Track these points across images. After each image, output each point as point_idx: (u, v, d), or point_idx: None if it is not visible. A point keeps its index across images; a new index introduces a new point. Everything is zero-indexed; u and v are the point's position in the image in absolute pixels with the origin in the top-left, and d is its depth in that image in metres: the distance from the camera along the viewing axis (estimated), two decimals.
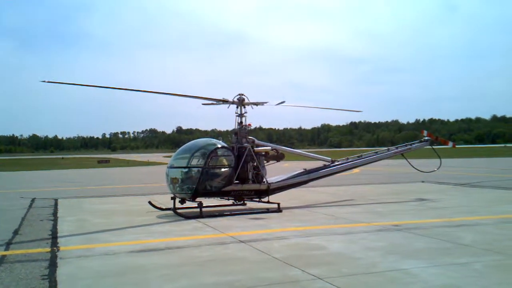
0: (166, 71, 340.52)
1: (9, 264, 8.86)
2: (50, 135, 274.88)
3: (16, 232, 12.37)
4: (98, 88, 15.06)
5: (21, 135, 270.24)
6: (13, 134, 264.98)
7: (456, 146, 21.91)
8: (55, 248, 10.24)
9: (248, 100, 16.25)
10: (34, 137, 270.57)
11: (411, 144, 19.75)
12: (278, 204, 15.50)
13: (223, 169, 15.15)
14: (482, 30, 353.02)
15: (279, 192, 16.57)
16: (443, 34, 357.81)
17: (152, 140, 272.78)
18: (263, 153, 16.12)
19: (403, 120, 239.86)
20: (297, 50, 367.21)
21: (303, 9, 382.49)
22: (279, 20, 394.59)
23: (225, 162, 15.26)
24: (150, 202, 16.23)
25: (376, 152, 19.45)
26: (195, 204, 14.98)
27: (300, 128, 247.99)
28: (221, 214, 14.86)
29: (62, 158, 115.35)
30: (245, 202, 16.37)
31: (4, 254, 9.72)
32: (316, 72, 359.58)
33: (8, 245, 10.74)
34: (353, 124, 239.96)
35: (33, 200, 20.19)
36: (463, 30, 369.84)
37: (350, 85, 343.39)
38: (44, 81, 12.96)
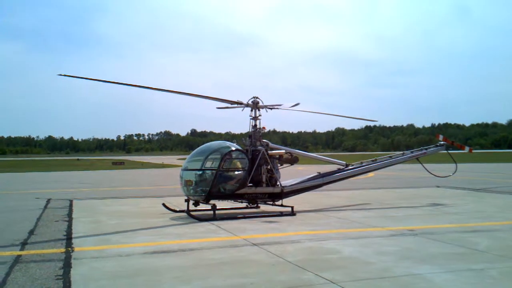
0: (176, 73, 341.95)
1: (24, 264, 8.96)
2: (66, 137, 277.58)
3: (31, 232, 12.51)
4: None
5: (37, 136, 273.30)
6: (29, 135, 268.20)
7: (473, 151, 21.68)
8: (69, 248, 10.33)
9: (263, 103, 16.27)
10: (50, 139, 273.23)
11: (426, 149, 19.59)
12: (292, 207, 15.46)
13: (237, 172, 15.18)
14: (496, 32, 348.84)
15: (292, 195, 16.55)
16: (456, 36, 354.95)
17: (167, 143, 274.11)
18: (277, 156, 16.13)
19: (419, 124, 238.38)
20: (308, 53, 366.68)
21: (313, 12, 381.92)
22: (290, 22, 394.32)
23: (239, 165, 15.28)
24: (164, 204, 16.29)
25: (391, 156, 19.33)
26: (208, 207, 15.00)
27: (314, 132, 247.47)
28: (234, 217, 14.87)
29: (78, 159, 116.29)
30: (259, 205, 16.38)
31: (19, 254, 9.83)
32: (327, 74, 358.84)
33: (23, 245, 10.85)
34: (368, 128, 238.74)
35: (48, 200, 20.40)
36: (477, 32, 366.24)
37: (363, 87, 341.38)
38: (61, 75, 13.19)
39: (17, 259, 9.33)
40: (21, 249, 10.37)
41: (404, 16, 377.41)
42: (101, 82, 14.77)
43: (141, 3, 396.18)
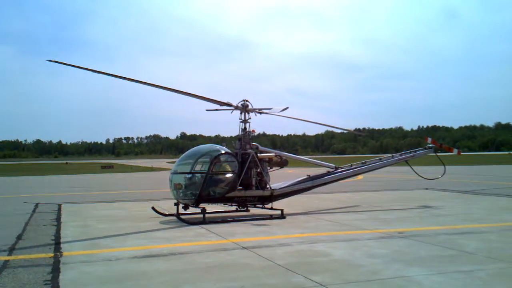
0: (168, 78, 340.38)
1: (12, 269, 8.86)
2: (54, 140, 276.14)
3: (19, 237, 12.38)
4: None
5: (26, 140, 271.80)
6: (17, 139, 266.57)
7: (461, 153, 21.83)
8: (58, 253, 10.24)
9: (252, 106, 16.26)
10: (38, 142, 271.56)
11: (415, 151, 19.69)
12: (282, 210, 15.46)
13: (226, 175, 15.14)
14: (484, 36, 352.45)
15: (282, 198, 16.54)
16: (444, 41, 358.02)
17: (156, 146, 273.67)
18: (267, 159, 16.12)
19: (407, 127, 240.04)
20: (298, 57, 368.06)
21: (304, 16, 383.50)
22: (281, 26, 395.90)
23: (228, 168, 15.26)
24: (153, 208, 16.22)
25: (380, 159, 19.40)
26: (198, 210, 14.96)
27: (304, 135, 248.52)
28: (224, 220, 14.83)
29: (66, 163, 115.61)
30: (249, 208, 16.35)
31: (7, 259, 9.72)
32: (318, 78, 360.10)
33: (11, 250, 10.74)
34: (357, 131, 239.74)
35: (36, 205, 20.24)
36: (465, 37, 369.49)
37: (352, 91, 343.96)
38: (50, 60, 13.10)
39: (5, 264, 9.22)
40: (9, 254, 10.26)
41: (394, 21, 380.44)
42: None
43: (132, 7, 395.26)
